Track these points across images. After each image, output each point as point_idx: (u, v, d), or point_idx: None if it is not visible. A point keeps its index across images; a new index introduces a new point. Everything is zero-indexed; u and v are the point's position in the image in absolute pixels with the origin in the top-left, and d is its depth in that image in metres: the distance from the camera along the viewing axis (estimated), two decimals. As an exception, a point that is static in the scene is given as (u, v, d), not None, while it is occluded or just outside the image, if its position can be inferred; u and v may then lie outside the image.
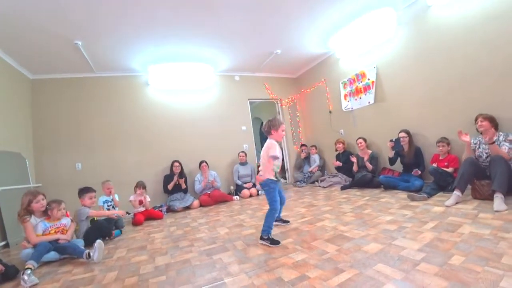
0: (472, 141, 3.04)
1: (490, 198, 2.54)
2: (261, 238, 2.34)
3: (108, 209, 3.94)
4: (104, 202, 3.95)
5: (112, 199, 4.05)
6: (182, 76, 5.24)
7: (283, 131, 2.56)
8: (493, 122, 2.92)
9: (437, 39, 3.62)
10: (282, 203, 2.61)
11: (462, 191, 2.75)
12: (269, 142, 2.50)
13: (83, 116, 4.87)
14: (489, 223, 2.04)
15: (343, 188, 4.47)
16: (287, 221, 2.86)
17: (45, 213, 2.83)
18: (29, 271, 2.11)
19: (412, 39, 3.97)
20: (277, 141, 2.52)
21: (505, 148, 2.75)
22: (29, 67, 4.39)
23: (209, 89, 5.82)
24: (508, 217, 2.12)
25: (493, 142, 2.69)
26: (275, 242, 2.26)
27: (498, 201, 2.37)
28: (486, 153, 2.91)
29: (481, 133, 2.94)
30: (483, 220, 2.13)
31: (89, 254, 2.43)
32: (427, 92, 3.84)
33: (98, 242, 2.52)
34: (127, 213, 4.39)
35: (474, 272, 1.36)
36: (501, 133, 2.90)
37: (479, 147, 3.00)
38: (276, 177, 2.45)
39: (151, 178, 5.00)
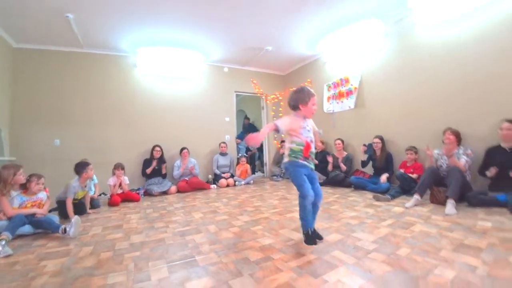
0: (436, 151, 3.33)
1: (444, 203, 2.80)
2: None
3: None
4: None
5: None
6: (171, 62, 5.23)
7: (313, 105, 1.99)
8: (458, 137, 3.23)
9: (418, 56, 3.88)
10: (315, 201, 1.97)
11: (421, 196, 3.03)
12: (292, 116, 2.03)
13: (66, 92, 4.74)
14: (438, 223, 2.30)
15: (317, 185, 4.68)
16: (319, 237, 2.01)
17: (22, 187, 2.82)
18: (3, 242, 2.13)
19: (396, 53, 4.20)
20: (305, 117, 2.03)
21: (463, 160, 3.04)
22: (13, 34, 4.23)
23: (197, 77, 5.85)
24: (455, 220, 2.38)
25: (451, 156, 2.96)
26: (310, 240, 1.89)
27: (450, 206, 2.65)
28: (446, 164, 3.19)
29: (445, 145, 3.22)
30: (433, 221, 2.38)
31: (65, 229, 2.46)
32: (403, 104, 4.10)
33: (75, 218, 2.57)
34: (104, 193, 4.41)
35: (415, 262, 1.57)
36: (461, 147, 3.20)
37: (441, 158, 3.28)
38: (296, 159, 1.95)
39: (130, 161, 4.98)
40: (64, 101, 4.74)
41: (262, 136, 1.80)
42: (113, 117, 5.08)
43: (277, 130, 1.87)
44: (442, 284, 1.32)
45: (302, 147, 1.94)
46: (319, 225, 2.37)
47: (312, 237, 1.90)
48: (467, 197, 2.86)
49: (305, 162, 1.96)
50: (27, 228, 2.57)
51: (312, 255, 1.75)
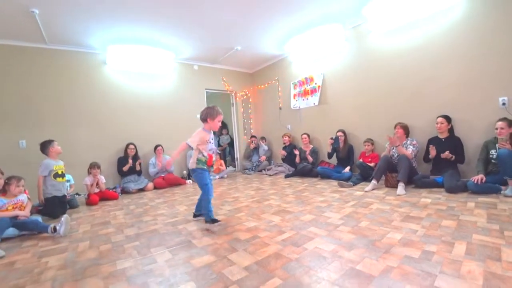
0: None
1: (396, 186, 3.34)
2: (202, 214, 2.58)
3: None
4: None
5: (67, 180, 4.04)
6: (142, 59, 5.21)
7: (219, 121, 2.52)
8: (406, 130, 3.84)
9: (372, 59, 4.43)
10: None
11: (378, 181, 3.56)
12: (201, 129, 2.52)
13: (30, 90, 4.51)
14: (391, 202, 2.82)
15: (287, 176, 5.12)
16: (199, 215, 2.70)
17: (1, 190, 2.81)
18: None
19: (354, 55, 4.72)
20: (211, 130, 2.55)
21: (410, 149, 3.61)
22: None
23: (168, 75, 5.93)
24: (404, 198, 2.93)
25: (398, 145, 3.53)
26: (215, 221, 2.38)
27: (400, 188, 3.19)
28: (397, 153, 3.75)
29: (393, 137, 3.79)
30: (387, 201, 2.90)
31: (54, 228, 2.53)
32: (361, 101, 4.65)
33: (65, 217, 2.63)
34: (77, 194, 4.37)
35: (373, 230, 2.02)
36: (409, 138, 3.79)
37: (393, 148, 3.84)
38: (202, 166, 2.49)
39: (104, 159, 4.91)
40: (28, 99, 4.50)
41: (175, 157, 2.62)
42: (84, 116, 4.96)
43: (189, 147, 2.48)
44: (393, 243, 1.76)
45: (206, 159, 2.51)
46: (294, 209, 2.80)
47: (215, 219, 2.40)
48: (413, 180, 3.44)
49: (207, 169, 2.54)
50: (11, 231, 2.58)
51: (291, 231, 2.13)
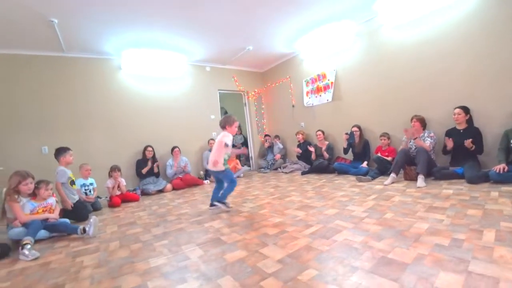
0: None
1: (415, 179, 3.33)
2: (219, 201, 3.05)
3: (85, 193, 4.08)
4: (81, 186, 4.07)
5: (90, 183, 4.19)
6: (155, 63, 5.31)
7: (236, 127, 3.06)
8: (423, 122, 3.81)
9: (385, 52, 4.42)
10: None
11: (397, 174, 3.56)
12: (224, 132, 3.02)
13: (49, 97, 4.65)
14: (412, 194, 2.82)
15: (303, 173, 5.15)
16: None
17: (31, 193, 2.90)
18: (28, 246, 2.21)
19: (366, 50, 4.72)
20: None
21: (427, 142, 3.59)
22: None
23: (181, 77, 6.02)
24: (425, 190, 2.93)
25: (415, 138, 3.53)
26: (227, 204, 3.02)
27: (420, 180, 3.19)
28: (415, 146, 3.73)
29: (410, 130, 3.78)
30: (408, 193, 2.90)
31: (84, 229, 2.62)
32: (375, 95, 4.64)
33: (94, 218, 2.72)
34: (98, 197, 4.47)
35: (398, 221, 2.04)
36: (426, 130, 3.77)
37: (410, 141, 3.82)
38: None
39: (122, 163, 4.98)
40: (48, 106, 4.65)
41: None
42: (101, 121, 5.09)
43: (226, 145, 2.93)
44: (421, 233, 1.78)
45: (229, 157, 3.11)
46: (316, 204, 2.84)
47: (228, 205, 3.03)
48: (432, 172, 3.43)
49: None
50: (42, 233, 2.67)
51: (318, 224, 2.17)
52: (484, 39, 3.32)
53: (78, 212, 3.50)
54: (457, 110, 3.43)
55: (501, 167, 2.84)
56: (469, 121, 3.45)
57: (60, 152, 3.66)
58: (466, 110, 3.41)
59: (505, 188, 2.64)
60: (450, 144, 3.41)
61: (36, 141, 4.55)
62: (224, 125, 3.01)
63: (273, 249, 1.80)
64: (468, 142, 3.22)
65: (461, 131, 3.45)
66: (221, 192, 3.10)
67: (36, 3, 3.34)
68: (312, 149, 5.37)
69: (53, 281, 1.70)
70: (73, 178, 3.73)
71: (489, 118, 3.36)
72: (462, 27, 3.50)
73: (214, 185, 5.03)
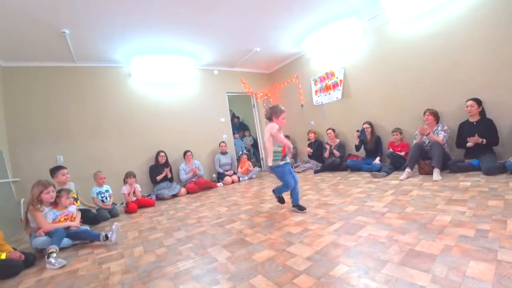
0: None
1: (431, 173, 3.35)
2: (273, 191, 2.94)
3: (102, 201, 4.13)
4: (97, 194, 4.14)
5: (106, 190, 4.25)
6: (164, 69, 5.38)
7: (283, 118, 2.72)
8: (436, 116, 3.81)
9: (394, 48, 4.43)
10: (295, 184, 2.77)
11: (412, 169, 3.58)
12: (270, 124, 2.69)
13: (61, 107, 4.74)
14: (430, 188, 2.84)
15: (316, 172, 5.17)
16: (303, 208, 2.73)
17: (52, 202, 2.93)
18: (54, 255, 2.24)
19: (374, 46, 4.73)
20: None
21: (441, 135, 3.59)
22: (1, 53, 4.18)
23: (190, 82, 6.11)
24: (442, 184, 2.95)
25: (428, 133, 3.54)
26: (281, 200, 2.95)
27: (436, 174, 3.20)
28: (428, 140, 3.73)
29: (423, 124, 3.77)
30: (425, 187, 2.92)
31: (106, 236, 2.66)
32: (385, 91, 4.65)
33: (115, 224, 2.75)
34: (114, 204, 4.50)
35: (420, 215, 2.06)
36: (439, 124, 3.77)
37: (424, 136, 3.82)
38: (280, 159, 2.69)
39: (136, 169, 5.04)
40: (60, 116, 4.73)
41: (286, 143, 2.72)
42: (113, 128, 5.17)
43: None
44: (444, 225, 1.80)
45: (281, 148, 2.69)
46: (334, 201, 2.87)
47: (281, 198, 2.95)
48: (448, 165, 3.43)
49: (284, 160, 2.73)
50: (65, 241, 2.70)
51: (340, 221, 2.19)
52: (495, 29, 3.30)
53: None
54: (470, 103, 3.42)
55: (518, 157, 2.84)
56: (482, 113, 3.44)
57: (52, 173, 3.59)
58: (478, 102, 3.40)
59: (523, 177, 2.64)
60: (473, 140, 3.31)
61: (50, 151, 4.63)
62: (270, 117, 2.71)
63: (299, 247, 1.83)
64: (474, 139, 3.22)
65: (474, 123, 3.44)
66: (293, 194, 2.80)
67: (47, 16, 3.41)
68: (327, 146, 5.38)
69: (85, 287, 1.74)
70: (75, 195, 3.70)
71: (503, 109, 3.34)
72: (472, 18, 3.49)
73: (227, 187, 5.18)
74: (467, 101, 3.46)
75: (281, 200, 2.97)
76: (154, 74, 5.46)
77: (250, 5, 3.83)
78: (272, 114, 2.70)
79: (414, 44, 4.15)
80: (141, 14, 3.71)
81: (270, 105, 2.74)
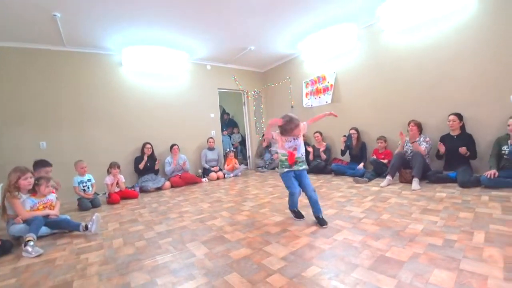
0: (406, 139, 4.00)
1: (411, 181, 3.45)
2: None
3: (84, 190, 4.05)
4: (79, 183, 4.06)
5: (88, 180, 4.18)
6: (157, 60, 5.32)
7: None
8: (420, 127, 3.93)
9: (385, 58, 4.54)
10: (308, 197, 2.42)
11: (393, 176, 3.69)
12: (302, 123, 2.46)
13: (48, 91, 4.60)
14: (408, 196, 2.94)
15: (301, 174, 5.22)
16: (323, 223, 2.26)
17: (31, 190, 2.87)
18: (31, 243, 2.20)
19: (367, 54, 4.83)
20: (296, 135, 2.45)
21: (423, 146, 3.71)
22: None
23: (182, 75, 6.05)
24: (420, 193, 3.06)
25: (414, 142, 3.64)
26: (298, 214, 2.52)
27: (415, 183, 3.32)
28: (410, 149, 3.85)
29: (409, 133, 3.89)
30: (404, 195, 3.02)
31: (86, 226, 2.62)
32: (373, 99, 4.76)
33: (96, 215, 2.70)
34: (96, 193, 4.42)
35: (395, 222, 2.14)
36: (422, 135, 3.89)
37: (406, 145, 3.94)
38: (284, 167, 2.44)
39: (121, 159, 4.91)
40: (47, 100, 4.59)
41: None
42: (100, 117, 5.06)
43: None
44: (416, 233, 1.89)
45: (286, 157, 2.41)
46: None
47: (298, 213, 2.53)
48: (427, 175, 3.55)
49: (290, 168, 2.43)
50: (44, 230, 2.64)
51: (319, 224, 2.24)
52: (483, 47, 3.43)
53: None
54: (452, 117, 3.55)
55: (492, 172, 2.96)
56: (462, 127, 3.59)
57: (37, 165, 3.49)
58: (460, 117, 3.54)
59: (495, 192, 2.76)
60: (442, 149, 3.55)
61: (34, 136, 4.50)
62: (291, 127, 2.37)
63: (276, 247, 1.88)
64: (462, 150, 3.35)
65: (455, 137, 3.58)
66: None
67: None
68: (310, 149, 5.45)
69: (61, 277, 1.72)
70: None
71: (483, 126, 3.49)
72: (461, 35, 3.62)
73: (212, 183, 5.20)
74: (449, 115, 3.59)
75: (298, 215, 2.53)
76: (146, 65, 5.36)
77: (249, 3, 3.84)
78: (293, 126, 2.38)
79: (405, 55, 4.26)
80: (138, 3, 3.65)
81: (287, 119, 2.36)
